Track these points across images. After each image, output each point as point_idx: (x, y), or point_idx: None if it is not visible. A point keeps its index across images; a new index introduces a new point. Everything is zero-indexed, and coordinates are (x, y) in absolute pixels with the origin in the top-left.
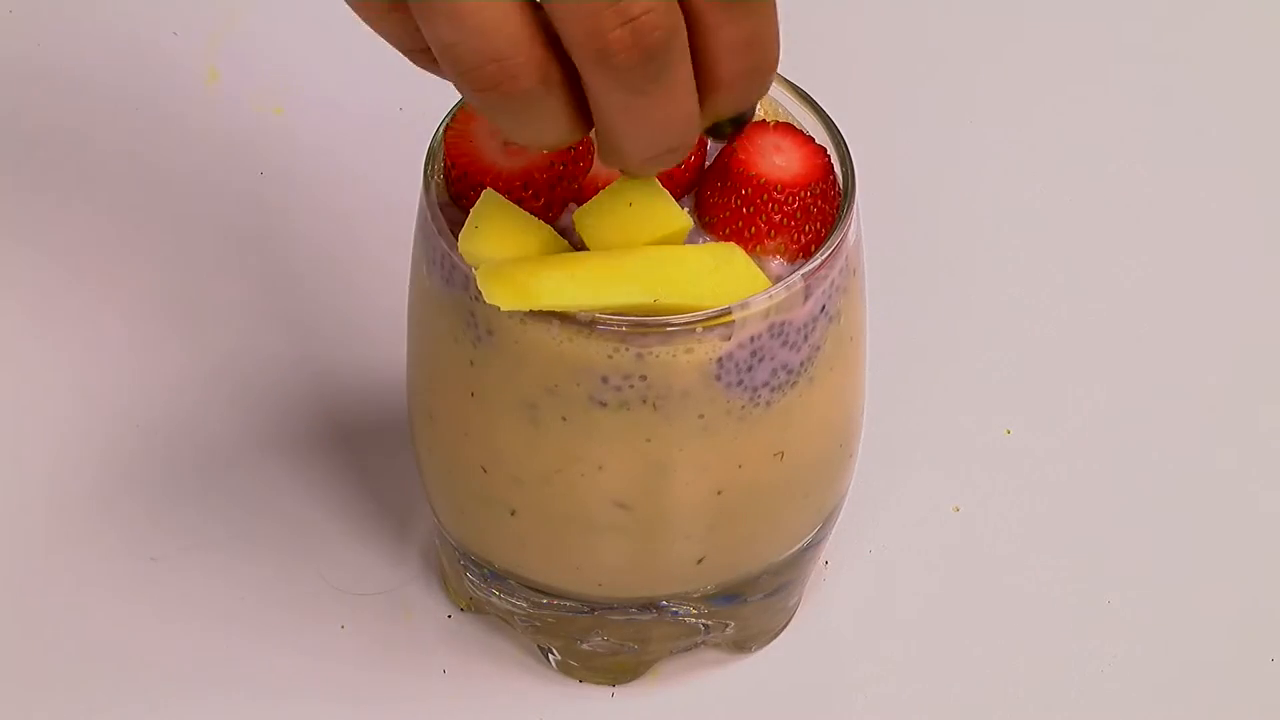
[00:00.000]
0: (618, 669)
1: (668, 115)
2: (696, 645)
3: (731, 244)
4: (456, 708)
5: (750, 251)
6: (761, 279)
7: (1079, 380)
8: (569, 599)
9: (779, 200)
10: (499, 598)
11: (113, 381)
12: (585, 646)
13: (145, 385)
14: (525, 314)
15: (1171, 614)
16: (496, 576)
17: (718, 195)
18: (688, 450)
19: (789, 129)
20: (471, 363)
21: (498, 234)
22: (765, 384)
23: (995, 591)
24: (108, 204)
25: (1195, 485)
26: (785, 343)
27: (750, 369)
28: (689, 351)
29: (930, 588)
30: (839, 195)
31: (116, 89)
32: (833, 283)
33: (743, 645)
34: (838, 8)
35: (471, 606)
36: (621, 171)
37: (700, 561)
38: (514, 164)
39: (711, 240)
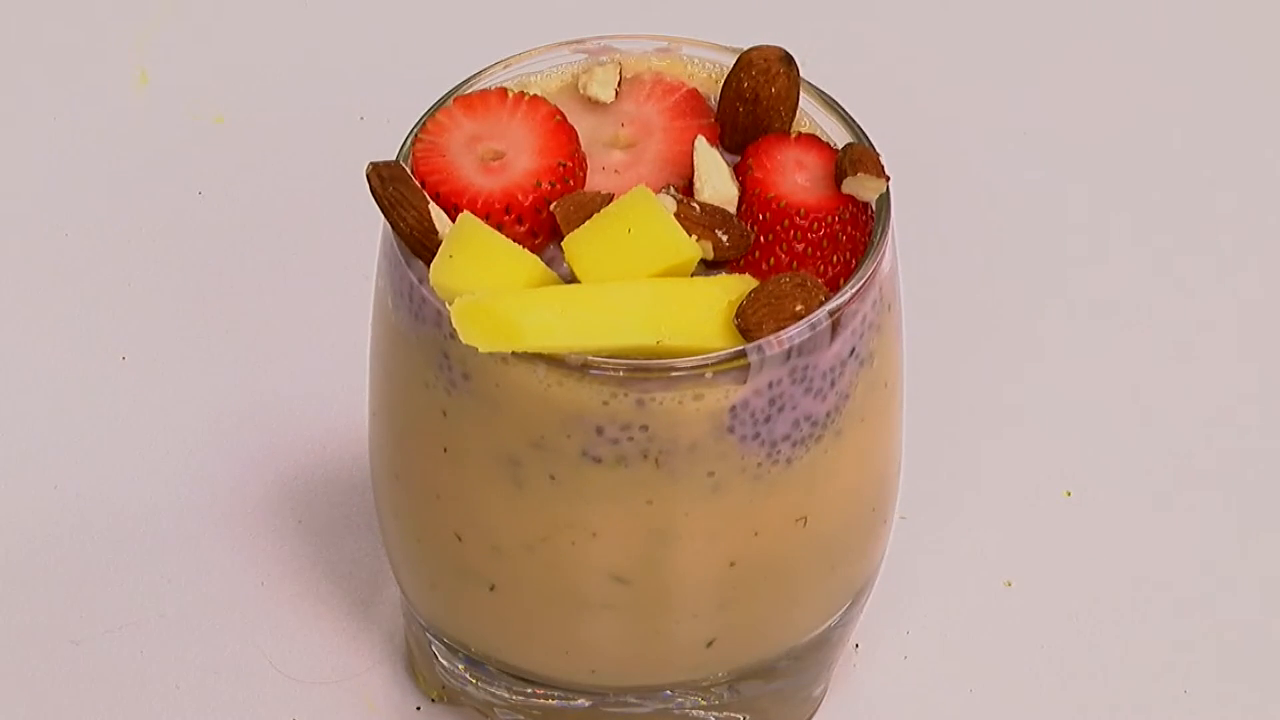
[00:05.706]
0: None
1: None
2: None
3: (746, 276)
4: None
5: None
6: None
7: (1152, 433)
8: (557, 688)
9: (802, 226)
10: (476, 686)
11: (24, 438)
12: None
13: (64, 442)
14: (507, 356)
15: (1256, 709)
16: (473, 662)
17: None
18: (695, 514)
19: (813, 142)
20: (444, 413)
21: (475, 263)
22: (785, 437)
23: (1053, 681)
24: (18, 228)
25: None
26: (809, 389)
27: (768, 420)
28: (698, 398)
29: (977, 675)
30: (871, 219)
31: (27, 94)
32: (864, 320)
33: None
34: (872, 4)
35: (444, 697)
36: None
37: (710, 644)
38: (494, 183)
39: (723, 272)
